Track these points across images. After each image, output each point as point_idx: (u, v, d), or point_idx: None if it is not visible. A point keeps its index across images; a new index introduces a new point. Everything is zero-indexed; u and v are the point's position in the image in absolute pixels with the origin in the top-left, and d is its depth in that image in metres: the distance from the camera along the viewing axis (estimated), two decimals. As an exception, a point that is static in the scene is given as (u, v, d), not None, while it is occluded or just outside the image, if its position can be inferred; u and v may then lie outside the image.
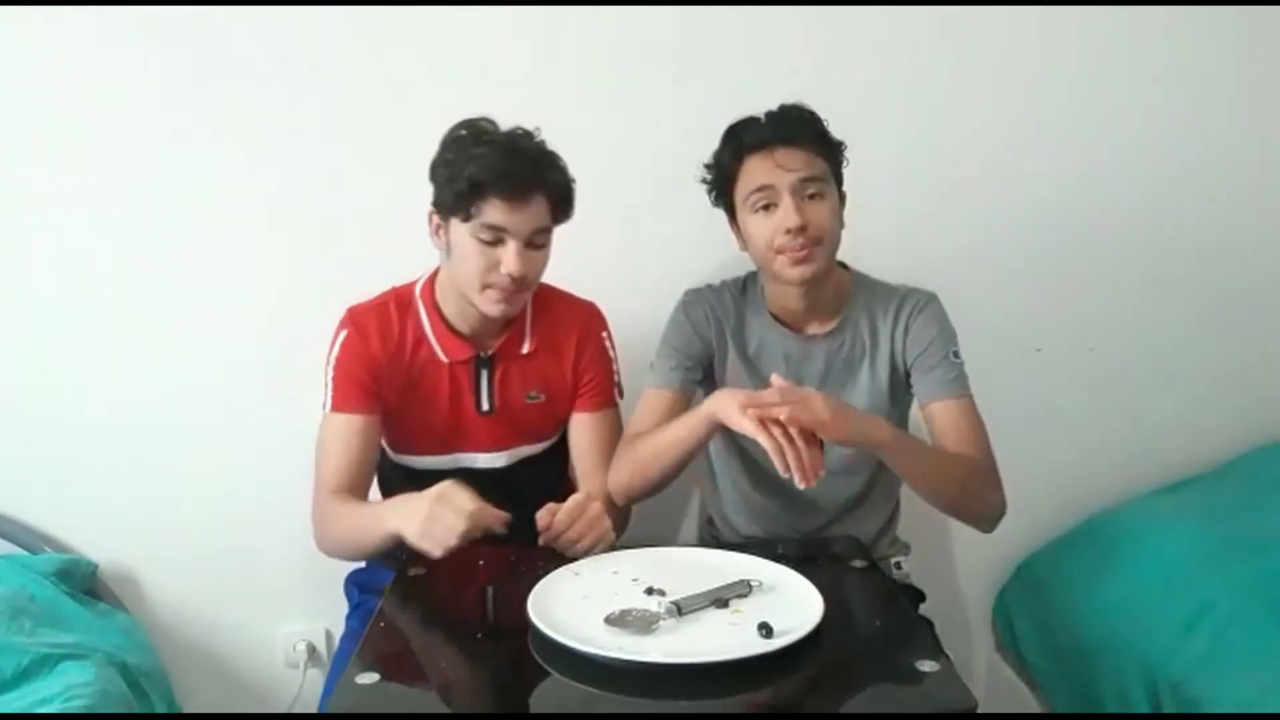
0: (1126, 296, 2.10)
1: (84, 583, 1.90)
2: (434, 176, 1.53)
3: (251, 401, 1.96)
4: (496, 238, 1.49)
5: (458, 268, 1.53)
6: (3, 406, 1.92)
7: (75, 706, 1.43)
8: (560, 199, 1.53)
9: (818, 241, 1.53)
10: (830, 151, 1.56)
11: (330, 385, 1.60)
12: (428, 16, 1.86)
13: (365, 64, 1.88)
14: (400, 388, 1.61)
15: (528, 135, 1.52)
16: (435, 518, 1.36)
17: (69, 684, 1.48)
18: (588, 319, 1.70)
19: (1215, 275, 2.12)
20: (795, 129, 1.54)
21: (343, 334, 1.61)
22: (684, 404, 1.65)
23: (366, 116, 1.89)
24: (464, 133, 1.51)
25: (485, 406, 1.64)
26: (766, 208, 1.54)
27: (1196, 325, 2.13)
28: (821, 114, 1.56)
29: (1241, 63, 2.05)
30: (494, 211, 1.47)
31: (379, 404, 1.60)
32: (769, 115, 1.57)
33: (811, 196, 1.53)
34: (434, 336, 1.62)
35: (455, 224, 1.51)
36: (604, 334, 1.71)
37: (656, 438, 1.56)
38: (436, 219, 1.55)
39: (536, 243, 1.52)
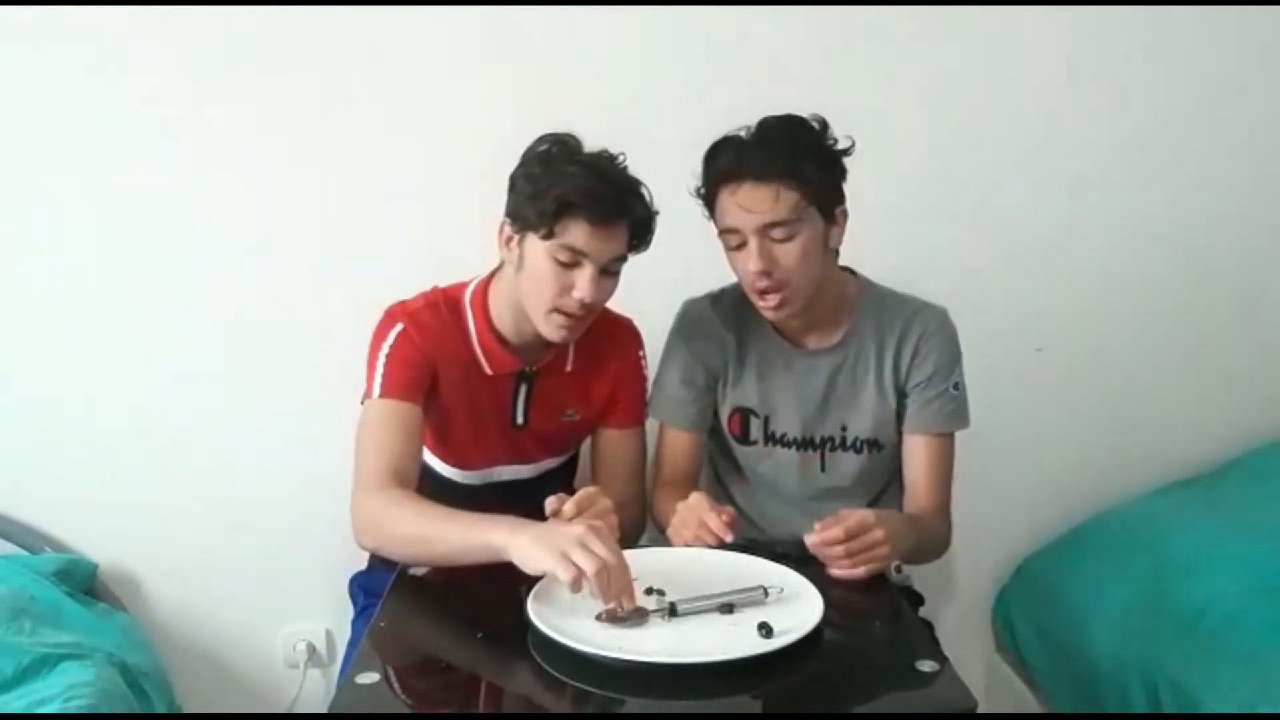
0: (1126, 296, 2.10)
1: (84, 583, 1.90)
2: (514, 189, 1.48)
3: (252, 402, 1.96)
4: (574, 260, 1.44)
5: (527, 285, 1.49)
6: (3, 407, 1.92)
7: (75, 706, 1.43)
8: (640, 229, 1.49)
9: (785, 284, 1.48)
10: (809, 180, 1.44)
11: (381, 372, 1.52)
12: (433, 18, 1.86)
13: (367, 65, 1.88)
14: (448, 392, 1.57)
15: (612, 159, 1.48)
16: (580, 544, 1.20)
17: (69, 684, 1.48)
18: (627, 339, 1.68)
19: (1216, 275, 2.12)
20: (765, 160, 1.43)
21: (397, 326, 1.54)
22: (705, 438, 1.67)
23: (377, 120, 1.89)
24: (550, 149, 1.47)
25: (519, 421, 1.63)
26: (738, 247, 1.49)
27: (1196, 325, 2.13)
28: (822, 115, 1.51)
29: (1245, 64, 2.05)
30: (578, 234, 1.43)
31: (425, 396, 1.55)
32: (747, 137, 1.46)
33: (778, 240, 1.45)
34: (480, 346, 1.57)
35: (532, 240, 1.46)
36: (640, 353, 1.69)
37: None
38: (509, 230, 1.50)
39: (611, 270, 1.48)
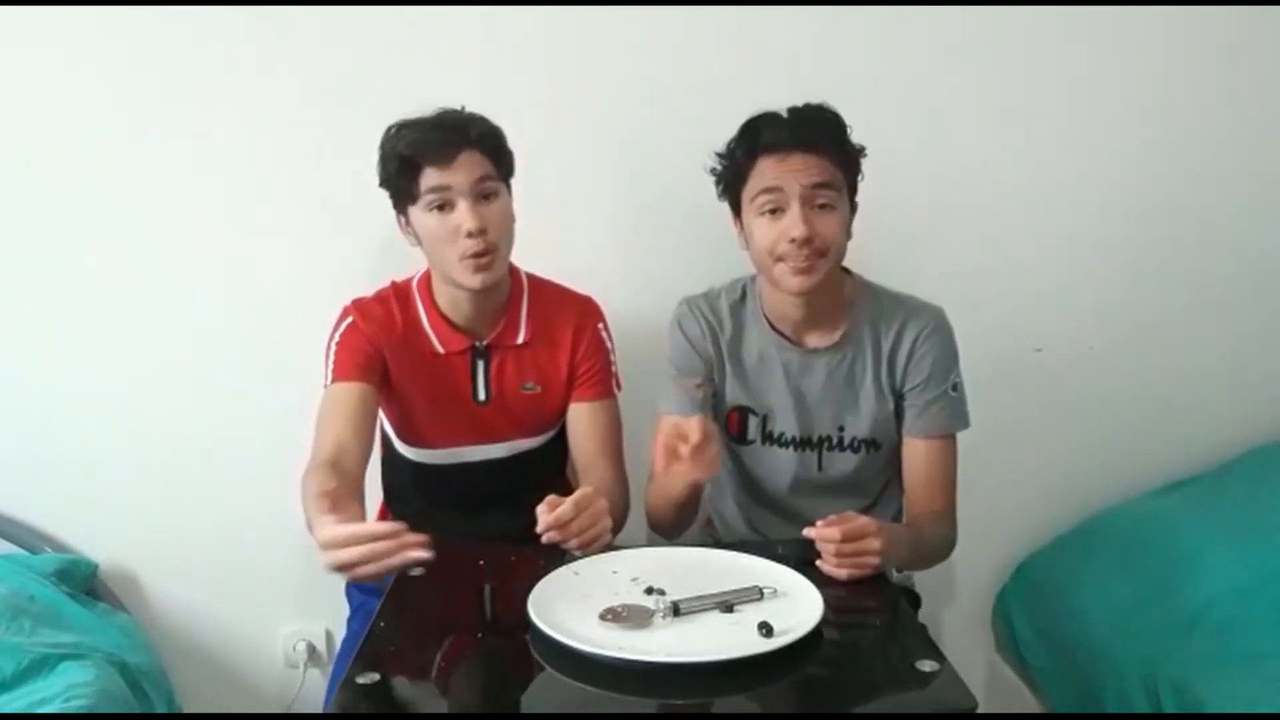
0: (1126, 296, 2.10)
1: (84, 583, 1.90)
2: (380, 182, 1.58)
3: (252, 402, 1.96)
4: (444, 200, 1.52)
5: (431, 251, 1.57)
6: (3, 407, 1.92)
7: (75, 706, 1.44)
8: (492, 148, 1.55)
9: (822, 254, 1.48)
10: (848, 161, 1.51)
11: (332, 361, 1.60)
12: (428, 15, 1.86)
13: (360, 60, 1.88)
14: (401, 377, 1.63)
15: (451, 111, 1.56)
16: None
17: (69, 684, 1.48)
18: (583, 310, 1.70)
19: (1215, 274, 2.11)
20: (817, 134, 1.48)
21: (347, 319, 1.63)
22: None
23: (364, 113, 1.88)
24: (390, 129, 1.56)
25: (482, 396, 1.65)
26: (774, 211, 1.48)
27: (1196, 325, 2.13)
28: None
29: (1243, 64, 2.05)
30: (430, 177, 1.51)
31: (378, 378, 1.61)
32: (791, 114, 1.50)
33: (822, 206, 1.47)
34: (430, 328, 1.64)
35: (413, 211, 1.55)
36: (600, 325, 1.71)
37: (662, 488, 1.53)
38: (401, 218, 1.59)
39: (484, 193, 1.53)
